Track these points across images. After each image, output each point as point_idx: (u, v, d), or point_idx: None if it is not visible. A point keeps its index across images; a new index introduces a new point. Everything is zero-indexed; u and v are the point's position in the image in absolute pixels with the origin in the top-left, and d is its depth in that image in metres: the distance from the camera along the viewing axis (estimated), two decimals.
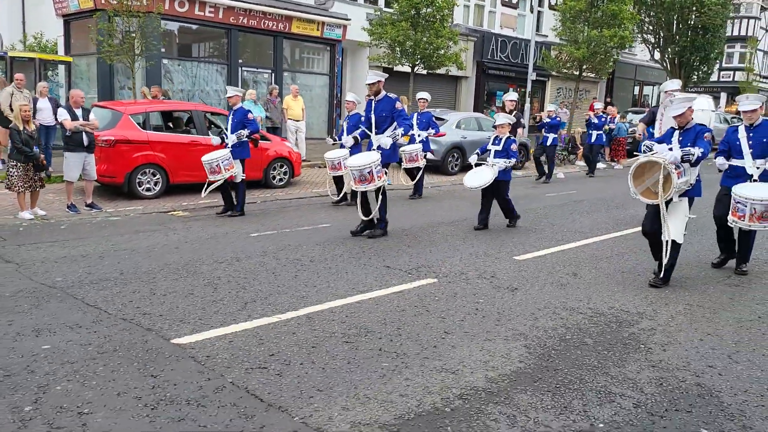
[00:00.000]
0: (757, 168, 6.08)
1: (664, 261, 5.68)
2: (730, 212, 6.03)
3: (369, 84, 7.58)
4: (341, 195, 10.08)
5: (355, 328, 4.50)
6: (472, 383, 3.70)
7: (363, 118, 7.98)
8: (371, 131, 7.63)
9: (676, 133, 5.75)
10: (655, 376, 3.90)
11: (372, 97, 7.65)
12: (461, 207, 9.99)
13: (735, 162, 6.25)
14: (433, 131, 11.24)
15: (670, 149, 5.57)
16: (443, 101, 22.70)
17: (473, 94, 24.41)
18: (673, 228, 5.60)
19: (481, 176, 8.15)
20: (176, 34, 16.79)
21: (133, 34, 12.65)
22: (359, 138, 7.95)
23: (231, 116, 9.02)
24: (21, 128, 8.18)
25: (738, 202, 5.89)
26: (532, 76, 21.32)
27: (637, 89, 33.05)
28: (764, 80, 41.92)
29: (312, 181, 12.69)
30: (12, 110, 10.51)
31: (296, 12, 17.95)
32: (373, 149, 7.53)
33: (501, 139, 8.27)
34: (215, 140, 9.10)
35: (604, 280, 5.87)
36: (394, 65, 18.31)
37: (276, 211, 9.37)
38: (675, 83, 8.46)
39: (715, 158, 6.48)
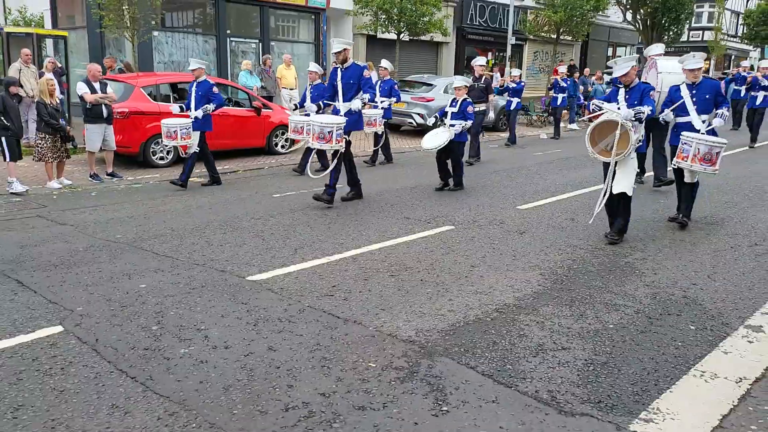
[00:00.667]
0: (703, 122, 6.51)
1: (597, 209, 6.05)
2: (675, 155, 6.44)
3: (336, 52, 7.58)
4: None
5: (396, 265, 5.31)
6: (504, 301, 4.54)
7: (328, 85, 8.06)
8: (337, 99, 7.67)
9: (622, 91, 6.09)
10: (650, 292, 4.79)
11: (339, 65, 7.65)
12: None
13: (681, 119, 6.63)
14: (394, 99, 11.36)
15: (618, 108, 5.87)
16: (425, 67, 23.29)
17: (453, 59, 25.03)
18: (626, 181, 5.85)
19: (437, 137, 8.36)
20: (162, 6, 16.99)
21: (132, 8, 12.93)
22: (322, 105, 8.02)
23: (195, 89, 8.94)
24: (47, 102, 8.67)
25: (684, 143, 6.28)
26: (511, 40, 21.99)
27: (610, 51, 33.96)
28: (732, 39, 43.22)
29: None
30: (21, 86, 10.96)
31: None
32: (341, 115, 7.57)
33: (458, 101, 8.54)
34: (174, 109, 9.31)
35: (598, 223, 6.75)
36: (378, 33, 18.84)
37: (285, 175, 10.04)
38: (659, 47, 8.96)
39: (660, 114, 6.78)
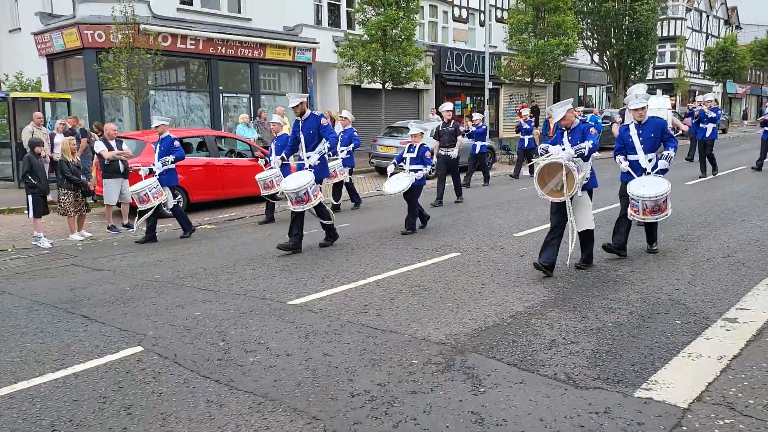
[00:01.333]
0: (649, 161, 6.74)
1: (571, 248, 6.26)
2: (628, 207, 6.71)
3: (293, 107, 7.79)
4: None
5: (415, 286, 6.02)
6: (516, 309, 5.26)
7: (291, 137, 8.22)
8: (301, 150, 7.92)
9: (565, 134, 6.33)
10: (640, 297, 5.55)
11: (298, 118, 7.89)
12: (446, 204, 11.64)
13: (631, 157, 6.86)
14: (352, 146, 11.56)
15: (563, 149, 6.10)
16: (408, 113, 24.46)
17: (434, 104, 26.28)
18: (582, 219, 6.18)
19: (399, 182, 8.72)
20: (161, 67, 17.94)
21: (136, 70, 13.80)
22: (286, 157, 8.22)
23: (159, 145, 9.19)
24: (70, 160, 9.37)
25: (632, 199, 6.60)
26: (489, 85, 23.31)
27: (581, 91, 35.72)
28: (694, 75, 45.64)
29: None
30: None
31: (270, 39, 19.37)
32: (306, 169, 7.81)
33: (415, 147, 8.96)
34: (144, 171, 9.28)
35: (521, 264, 7.54)
36: (363, 83, 19.95)
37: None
38: (640, 87, 9.14)
39: (614, 156, 7.11)
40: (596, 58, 29.81)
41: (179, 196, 10.16)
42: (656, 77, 40.80)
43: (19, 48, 19.93)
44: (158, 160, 9.12)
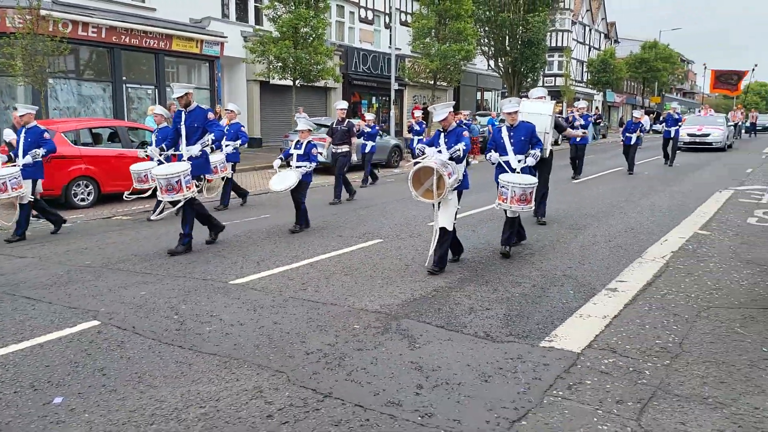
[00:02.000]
0: (519, 162, 7.16)
1: (433, 246, 6.40)
2: (497, 197, 7.05)
3: (178, 97, 7.55)
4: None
5: (347, 268, 6.63)
6: (438, 284, 6.02)
7: (171, 129, 7.92)
8: (181, 143, 7.59)
9: (442, 135, 6.55)
10: (540, 273, 6.50)
11: (182, 109, 7.61)
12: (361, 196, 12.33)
13: (502, 158, 7.23)
14: (239, 142, 11.29)
15: (439, 151, 6.38)
16: (316, 110, 24.92)
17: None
18: (444, 218, 6.36)
19: (286, 179, 8.58)
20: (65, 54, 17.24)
21: (41, 57, 13.33)
22: (165, 148, 7.88)
23: (23, 135, 8.59)
24: None
25: (502, 187, 6.94)
26: (395, 86, 24.30)
27: (479, 94, 37.78)
28: (578, 84, 49.45)
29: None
30: None
31: (176, 31, 19.18)
32: (184, 160, 7.51)
33: (302, 143, 8.85)
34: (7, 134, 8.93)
35: (493, 232, 8.48)
36: (273, 79, 20.21)
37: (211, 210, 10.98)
38: (539, 90, 9.39)
39: (486, 154, 7.58)
40: (493, 63, 31.73)
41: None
42: (546, 84, 43.82)
43: None
44: (24, 152, 8.43)
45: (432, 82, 25.72)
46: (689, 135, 24.77)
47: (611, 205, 11.04)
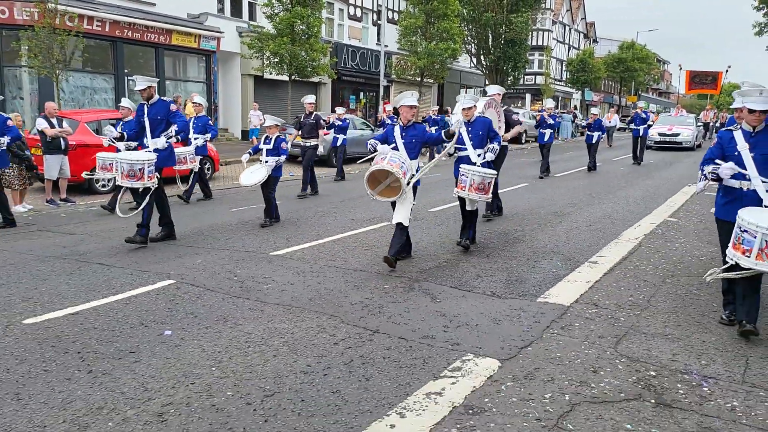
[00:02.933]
0: (478, 155, 7.33)
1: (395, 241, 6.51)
2: (456, 185, 7.25)
3: (140, 90, 7.69)
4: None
5: (365, 244, 7.70)
6: (446, 258, 7.13)
7: (135, 122, 8.08)
8: (145, 135, 7.74)
9: (398, 129, 6.70)
10: (531, 250, 7.62)
11: (144, 102, 7.76)
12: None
13: (461, 153, 7.43)
14: (209, 135, 11.41)
15: (394, 147, 6.54)
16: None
17: (330, 97, 27.91)
18: (401, 214, 6.47)
19: (255, 174, 8.83)
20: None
21: (57, 51, 14.13)
22: (125, 136, 7.99)
23: None
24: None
25: (462, 175, 7.17)
26: (384, 82, 25.38)
27: (463, 91, 38.99)
28: (558, 82, 51.02)
29: (227, 175, 15.24)
30: None
31: (175, 26, 19.99)
32: (150, 151, 7.62)
33: (271, 138, 9.06)
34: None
35: (440, 230, 9.60)
36: (270, 74, 21.13)
37: (222, 198, 11.96)
38: (496, 88, 9.84)
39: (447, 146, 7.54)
40: (476, 61, 32.97)
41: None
42: (526, 83, 45.27)
43: None
44: None
45: (419, 78, 26.82)
46: (660, 134, 25.62)
47: (590, 196, 12.28)
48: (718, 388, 3.91)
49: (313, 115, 12.44)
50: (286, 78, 21.47)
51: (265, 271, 6.35)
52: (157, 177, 7.51)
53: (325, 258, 6.96)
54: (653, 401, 3.73)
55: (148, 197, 7.46)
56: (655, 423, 3.47)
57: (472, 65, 35.39)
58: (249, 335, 4.59)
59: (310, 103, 12.53)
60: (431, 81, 28.89)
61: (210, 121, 11.91)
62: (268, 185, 8.92)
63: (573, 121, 34.08)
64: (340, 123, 15.16)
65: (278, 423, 3.37)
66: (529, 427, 3.38)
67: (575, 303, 5.59)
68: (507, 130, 9.67)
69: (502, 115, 9.29)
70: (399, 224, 6.49)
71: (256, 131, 19.25)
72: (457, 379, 3.97)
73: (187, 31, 20.38)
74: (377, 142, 6.71)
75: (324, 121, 13.34)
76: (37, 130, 10.70)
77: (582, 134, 39.03)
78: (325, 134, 15.68)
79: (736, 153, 4.94)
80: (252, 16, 24.21)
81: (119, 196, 8.60)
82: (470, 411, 3.57)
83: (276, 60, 19.84)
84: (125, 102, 10.63)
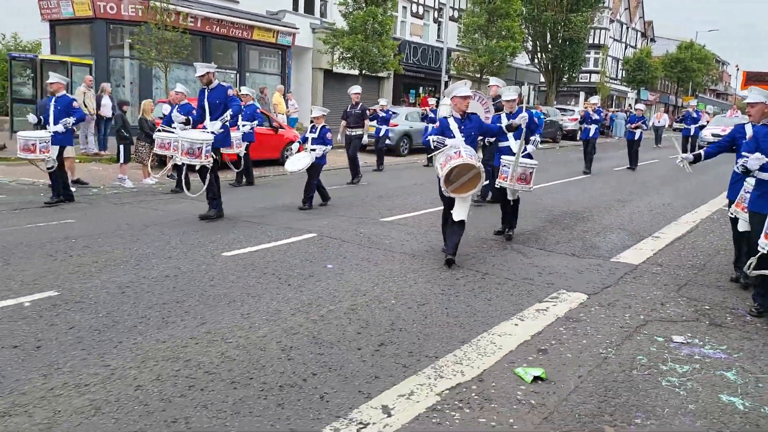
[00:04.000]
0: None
1: (449, 236, 6.41)
2: (498, 176, 7.43)
3: (200, 76, 8.26)
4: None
5: (425, 224, 9.13)
6: (526, 228, 8.49)
7: (197, 106, 8.61)
8: (205, 118, 8.27)
9: (453, 120, 6.37)
10: (601, 227, 8.90)
11: (205, 87, 8.30)
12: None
13: (502, 143, 7.67)
14: (256, 122, 11.94)
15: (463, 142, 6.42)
16: (371, 98, 27.38)
17: (392, 91, 29.40)
18: (462, 211, 6.29)
19: (300, 161, 9.30)
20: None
21: (168, 44, 16.01)
22: (191, 120, 8.47)
23: (54, 103, 9.07)
24: (148, 118, 11.73)
25: (504, 166, 7.30)
26: (445, 78, 26.69)
27: (450, 82, 39.93)
28: (613, 81, 51.30)
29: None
30: (86, 105, 13.72)
31: (257, 22, 21.75)
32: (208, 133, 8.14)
33: (317, 128, 9.64)
34: (31, 118, 9.37)
35: (552, 198, 10.88)
36: (344, 68, 22.71)
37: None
38: (495, 80, 10.21)
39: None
40: (531, 59, 33.97)
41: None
42: (581, 81, 45.83)
43: (7, 8, 21.15)
44: (54, 119, 8.98)
45: (478, 75, 28.05)
46: (713, 135, 25.92)
47: (647, 187, 13.42)
48: (758, 320, 5.18)
49: (359, 106, 12.91)
50: (352, 72, 23.05)
51: (382, 231, 7.84)
52: (212, 157, 8.02)
53: (426, 224, 8.41)
54: (707, 323, 5.04)
55: (207, 176, 8.05)
56: (708, 334, 4.79)
57: (529, 63, 36.37)
58: (391, 271, 6.08)
59: (356, 94, 13.04)
60: (488, 77, 30.02)
61: (258, 110, 12.32)
62: (312, 170, 9.36)
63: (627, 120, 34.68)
64: (383, 114, 15.54)
65: (434, 319, 4.82)
66: (616, 331, 4.75)
67: (642, 263, 6.89)
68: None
69: (491, 108, 9.45)
70: (461, 221, 6.26)
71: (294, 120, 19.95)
72: (556, 303, 5.36)
73: (267, 27, 22.10)
74: (443, 138, 6.25)
75: (369, 111, 13.69)
76: (162, 113, 12.48)
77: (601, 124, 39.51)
78: (393, 125, 16.93)
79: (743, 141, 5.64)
80: (323, 12, 25.86)
81: (182, 175, 8.73)
82: (570, 320, 4.96)
83: (349, 55, 21.39)
84: (179, 87, 11.20)
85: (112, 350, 3.99)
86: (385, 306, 5.07)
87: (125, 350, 4.00)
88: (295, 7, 24.64)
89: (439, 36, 32.41)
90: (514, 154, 7.25)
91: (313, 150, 9.41)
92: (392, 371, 3.87)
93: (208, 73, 8.29)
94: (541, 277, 6.16)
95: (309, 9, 25.44)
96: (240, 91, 12.14)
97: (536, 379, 3.84)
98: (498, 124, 7.01)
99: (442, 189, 6.11)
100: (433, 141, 6.23)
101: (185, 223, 7.99)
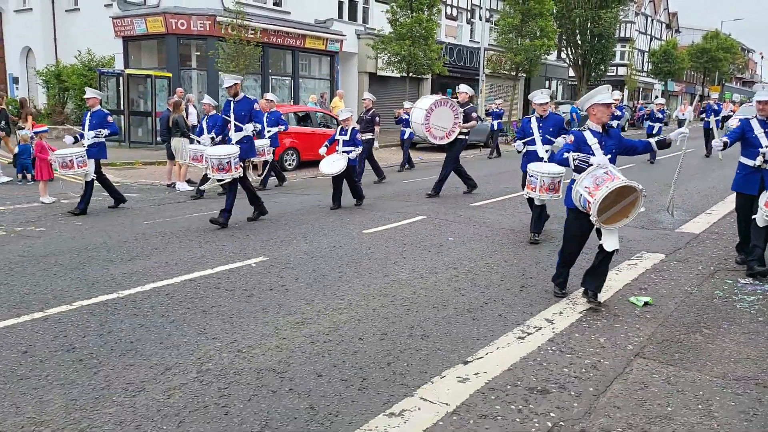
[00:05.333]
0: (546, 152, 7.71)
1: (597, 270, 5.32)
2: (525, 186, 7.47)
3: (227, 87, 8.52)
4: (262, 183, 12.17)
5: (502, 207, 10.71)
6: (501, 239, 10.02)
7: (221, 117, 8.92)
8: (230, 129, 8.53)
9: (594, 141, 5.11)
10: (657, 206, 10.41)
11: (231, 98, 8.57)
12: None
13: (530, 148, 7.78)
14: (282, 127, 12.22)
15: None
16: (412, 97, 28.99)
17: (430, 91, 30.99)
18: (614, 238, 5.19)
19: (335, 164, 9.65)
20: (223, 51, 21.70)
21: (245, 58, 17.80)
22: (216, 135, 9.06)
23: (89, 117, 9.42)
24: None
25: (531, 176, 7.32)
26: (482, 77, 28.22)
27: (547, 83, 41.31)
28: (639, 73, 52.31)
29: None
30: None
31: (309, 31, 23.47)
32: (233, 144, 8.46)
33: (347, 130, 9.92)
34: (68, 140, 9.48)
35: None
36: (392, 72, 24.35)
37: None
38: (465, 87, 11.40)
39: (514, 143, 8.38)
40: (564, 55, 35.33)
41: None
42: (608, 74, 46.99)
43: (81, 27, 23.15)
44: (90, 132, 9.29)
45: (514, 73, 29.53)
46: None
47: (690, 174, 14.86)
48: None
49: (370, 112, 13.36)
50: (395, 75, 24.69)
51: (477, 214, 9.44)
52: (242, 167, 8.44)
53: (509, 208, 10.01)
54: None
55: (231, 185, 8.42)
56: (766, 281, 6.29)
57: (559, 58, 37.73)
58: (502, 240, 7.69)
59: (366, 99, 13.65)
60: (523, 74, 31.50)
61: (282, 116, 12.72)
62: (347, 173, 9.80)
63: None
64: (406, 117, 15.80)
65: (554, 270, 6.40)
66: (694, 277, 6.28)
67: (702, 232, 8.41)
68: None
69: (459, 113, 10.70)
70: (614, 251, 5.20)
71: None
72: (642, 260, 6.92)
73: (317, 35, 23.82)
74: (579, 153, 5.07)
75: (379, 118, 14.07)
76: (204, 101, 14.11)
77: (666, 124, 40.66)
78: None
79: (753, 136, 6.37)
80: (365, 19, 27.53)
81: (204, 184, 9.90)
82: (657, 270, 6.51)
83: (396, 60, 23.02)
84: (207, 99, 11.49)
85: (338, 291, 5.63)
86: (514, 263, 6.68)
87: (347, 291, 5.63)
88: (340, 15, 26.33)
89: (472, 36, 33.94)
90: (541, 160, 7.54)
91: (346, 152, 9.81)
92: (541, 302, 5.47)
93: (236, 84, 8.58)
94: (623, 244, 7.69)
95: (353, 16, 27.12)
96: (265, 97, 12.76)
97: (645, 304, 5.41)
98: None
99: (593, 219, 4.93)
100: (574, 159, 5.03)
101: (309, 212, 9.65)
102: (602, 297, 5.58)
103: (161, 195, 11.40)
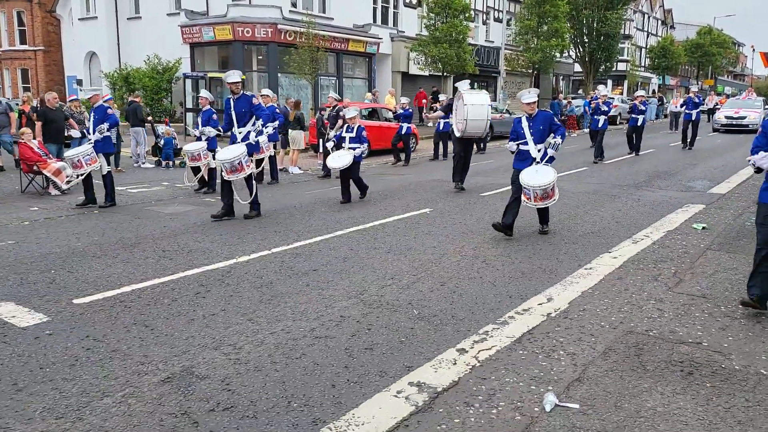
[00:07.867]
0: (538, 151, 7.71)
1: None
2: (521, 195, 7.70)
3: (232, 82, 8.62)
4: (201, 183, 11.68)
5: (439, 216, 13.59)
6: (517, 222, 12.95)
7: (224, 115, 9.03)
8: (233, 127, 8.77)
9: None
10: (677, 183, 13.33)
11: (231, 96, 8.71)
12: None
13: (522, 147, 7.79)
14: (278, 122, 11.87)
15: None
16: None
17: (450, 88, 33.86)
18: None
19: (342, 159, 10.10)
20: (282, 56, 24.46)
21: (313, 63, 20.61)
22: (222, 131, 9.33)
23: (92, 114, 9.62)
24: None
25: (525, 188, 7.57)
26: (503, 75, 31.14)
27: (554, 79, 44.34)
28: (639, 69, 55.53)
29: (420, 148, 21.35)
30: None
31: (351, 35, 26.27)
32: (238, 142, 8.67)
33: (353, 127, 10.29)
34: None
35: (430, 230, 15.29)
36: (430, 72, 27.20)
37: (416, 164, 18.00)
38: (466, 83, 12.14)
39: (507, 144, 8.41)
40: (573, 53, 38.35)
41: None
42: (611, 70, 50.15)
43: (143, 33, 25.81)
44: (93, 129, 9.50)
45: (531, 71, 32.49)
46: (726, 117, 26.90)
47: (705, 157, 17.84)
48: None
49: (335, 109, 13.97)
50: (422, 73, 27.61)
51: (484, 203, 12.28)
52: (252, 162, 8.72)
53: (422, 226, 12.88)
54: None
55: (251, 181, 8.79)
56: None
57: (567, 56, 40.74)
58: (518, 223, 10.56)
59: (329, 96, 14.86)
60: (535, 72, 34.50)
61: (277, 110, 12.87)
62: (352, 169, 10.27)
63: (662, 104, 39.06)
64: (402, 111, 17.07)
65: (605, 224, 9.28)
66: (731, 215, 9.19)
67: (727, 192, 11.33)
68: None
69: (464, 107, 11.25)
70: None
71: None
72: (689, 209, 9.80)
73: (359, 39, 26.61)
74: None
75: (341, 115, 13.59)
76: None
77: (666, 116, 43.84)
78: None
79: None
80: (395, 22, 30.38)
81: (199, 175, 10.80)
82: (702, 213, 9.40)
83: (431, 61, 25.89)
84: (204, 93, 11.79)
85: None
86: (544, 239, 9.55)
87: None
88: (375, 20, 29.15)
89: (487, 36, 36.84)
90: (533, 159, 7.79)
91: (352, 148, 10.32)
92: (582, 257, 8.35)
93: (238, 81, 8.82)
94: (670, 201, 10.60)
95: (385, 20, 29.96)
96: (261, 92, 13.04)
97: (703, 228, 8.30)
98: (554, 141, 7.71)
99: None
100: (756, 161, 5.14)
101: (327, 203, 11.51)
102: (673, 225, 8.46)
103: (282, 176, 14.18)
